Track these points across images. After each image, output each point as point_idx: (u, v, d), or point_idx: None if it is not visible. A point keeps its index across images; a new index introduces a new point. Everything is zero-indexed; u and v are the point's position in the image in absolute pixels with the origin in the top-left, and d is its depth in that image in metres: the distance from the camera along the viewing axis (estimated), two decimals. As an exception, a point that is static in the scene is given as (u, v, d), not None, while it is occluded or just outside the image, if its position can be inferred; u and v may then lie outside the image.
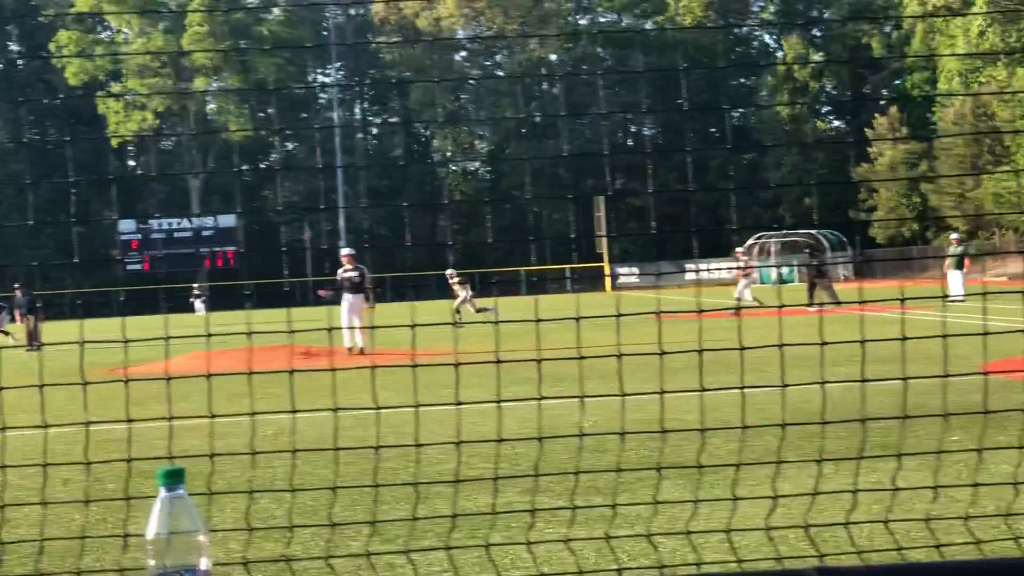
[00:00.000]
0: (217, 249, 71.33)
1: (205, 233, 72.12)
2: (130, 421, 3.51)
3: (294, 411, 3.57)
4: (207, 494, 3.48)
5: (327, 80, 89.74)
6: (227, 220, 72.53)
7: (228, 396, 3.78)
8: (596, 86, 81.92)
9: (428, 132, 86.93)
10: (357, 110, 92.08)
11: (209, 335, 3.20)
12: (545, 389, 3.67)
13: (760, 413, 9.48)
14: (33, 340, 29.41)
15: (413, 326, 3.60)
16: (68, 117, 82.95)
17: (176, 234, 71.92)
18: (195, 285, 63.47)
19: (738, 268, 40.25)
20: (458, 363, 3.59)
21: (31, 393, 3.68)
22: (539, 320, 3.59)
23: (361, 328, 21.54)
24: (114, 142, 79.26)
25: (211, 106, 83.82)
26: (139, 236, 71.41)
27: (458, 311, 31.49)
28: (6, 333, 31.51)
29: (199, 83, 78.88)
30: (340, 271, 22.83)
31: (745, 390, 3.50)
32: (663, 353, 3.63)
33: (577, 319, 3.69)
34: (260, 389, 3.59)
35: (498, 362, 3.62)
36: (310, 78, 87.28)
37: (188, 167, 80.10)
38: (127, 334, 3.64)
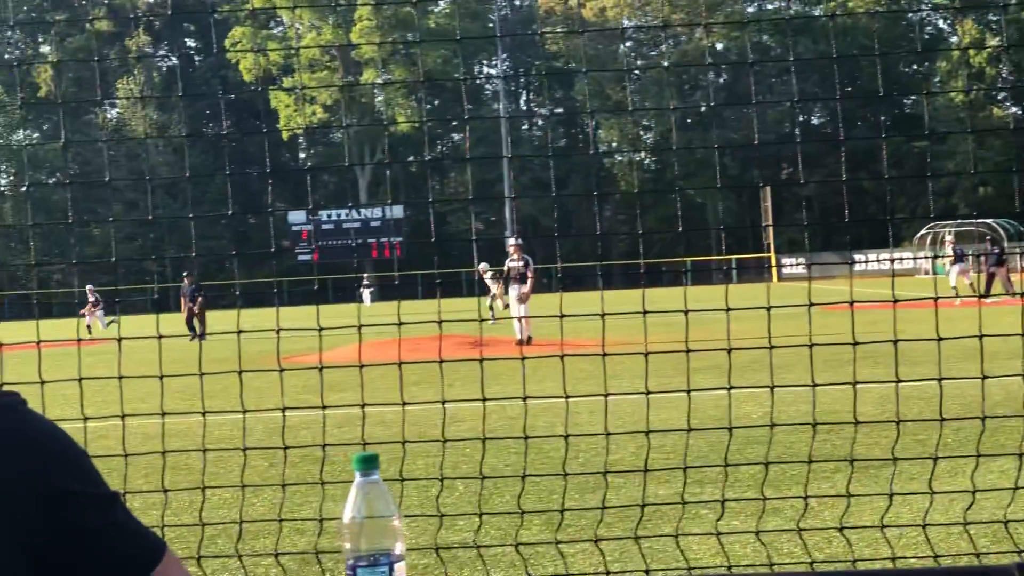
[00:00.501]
0: (384, 240, 72.33)
1: (373, 224, 73.21)
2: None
3: (484, 399, 3.59)
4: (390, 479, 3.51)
5: (493, 71, 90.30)
6: (395, 211, 73.45)
7: (408, 383, 3.81)
8: (763, 74, 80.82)
9: (594, 122, 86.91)
10: (523, 101, 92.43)
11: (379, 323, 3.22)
12: (733, 379, 3.62)
13: (928, 405, 9.27)
14: (194, 329, 30.38)
15: (603, 315, 3.59)
16: (242, 111, 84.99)
17: (345, 225, 73.15)
18: (364, 275, 64.46)
19: (945, 255, 39.34)
20: (648, 352, 3.57)
21: (223, 380, 3.77)
22: (728, 309, 3.54)
23: (527, 317, 21.68)
24: (284, 135, 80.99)
25: (379, 98, 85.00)
26: (309, 227, 72.76)
27: (491, 307, 31.69)
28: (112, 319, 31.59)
29: (367, 76, 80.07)
30: (507, 260, 23.06)
31: (941, 382, 3.41)
32: (856, 344, 3.55)
33: (768, 308, 3.63)
34: (428, 378, 3.62)
35: (688, 351, 3.59)
36: (476, 70, 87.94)
37: (356, 159, 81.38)
38: (301, 323, 3.69)
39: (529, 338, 21.51)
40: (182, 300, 33.11)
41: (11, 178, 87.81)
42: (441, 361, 3.54)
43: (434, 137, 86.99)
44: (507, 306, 30.80)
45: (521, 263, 22.51)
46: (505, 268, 23.14)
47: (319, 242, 72.50)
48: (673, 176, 79.32)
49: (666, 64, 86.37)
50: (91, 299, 38.71)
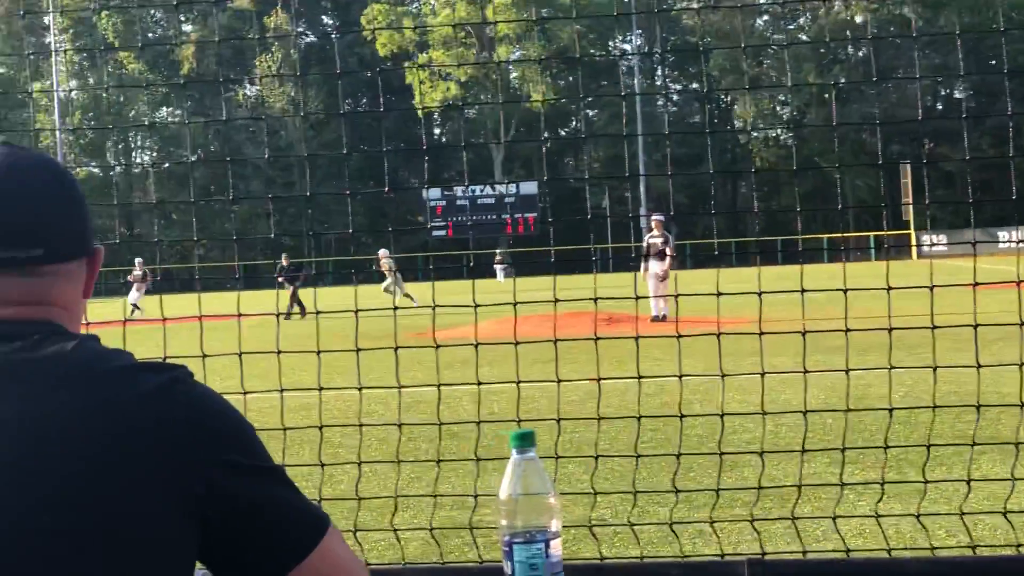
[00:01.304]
0: (519, 215, 72.55)
1: (507, 200, 73.45)
2: (439, 385, 3.58)
3: (599, 379, 3.57)
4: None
5: (627, 47, 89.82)
6: (529, 187, 73.57)
7: (532, 362, 3.82)
8: (904, 48, 79.10)
9: (729, 98, 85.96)
10: (658, 76, 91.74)
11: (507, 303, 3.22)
12: (852, 359, 3.56)
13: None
14: (303, 306, 30.65)
15: (718, 295, 3.55)
16: (378, 88, 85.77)
17: (479, 201, 73.52)
18: (497, 251, 64.74)
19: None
20: (762, 332, 3.52)
21: (343, 357, 3.80)
22: (846, 289, 3.48)
23: (664, 296, 21.60)
24: (420, 112, 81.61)
25: (514, 75, 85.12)
26: (444, 203, 73.27)
27: (389, 291, 31.37)
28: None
29: (501, 52, 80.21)
30: (647, 236, 23.01)
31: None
32: (976, 326, 3.46)
33: (887, 289, 3.56)
34: (563, 355, 3.61)
35: (804, 332, 3.53)
36: (611, 45, 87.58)
37: (491, 135, 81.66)
38: (434, 299, 3.71)
39: (664, 316, 21.45)
40: (281, 280, 32.86)
41: (154, 154, 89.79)
42: (597, 339, 3.53)
43: (568, 113, 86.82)
44: (408, 295, 30.62)
45: (661, 239, 22.44)
46: (645, 243, 23.09)
47: (453, 217, 72.97)
48: (810, 152, 78.23)
49: (805, 38, 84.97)
50: (138, 272, 37.19)
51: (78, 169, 75.60)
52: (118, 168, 78.92)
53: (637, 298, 3.91)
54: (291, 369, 3.64)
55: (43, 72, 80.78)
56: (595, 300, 3.48)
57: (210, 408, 1.70)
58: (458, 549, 5.51)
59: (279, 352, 3.49)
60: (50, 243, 1.73)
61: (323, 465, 3.68)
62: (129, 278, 37.04)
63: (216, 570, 1.75)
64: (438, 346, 3.61)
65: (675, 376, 3.37)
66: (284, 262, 33.71)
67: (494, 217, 73.01)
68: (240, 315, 3.76)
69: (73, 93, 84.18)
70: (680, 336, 3.41)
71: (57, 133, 70.64)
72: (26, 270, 1.71)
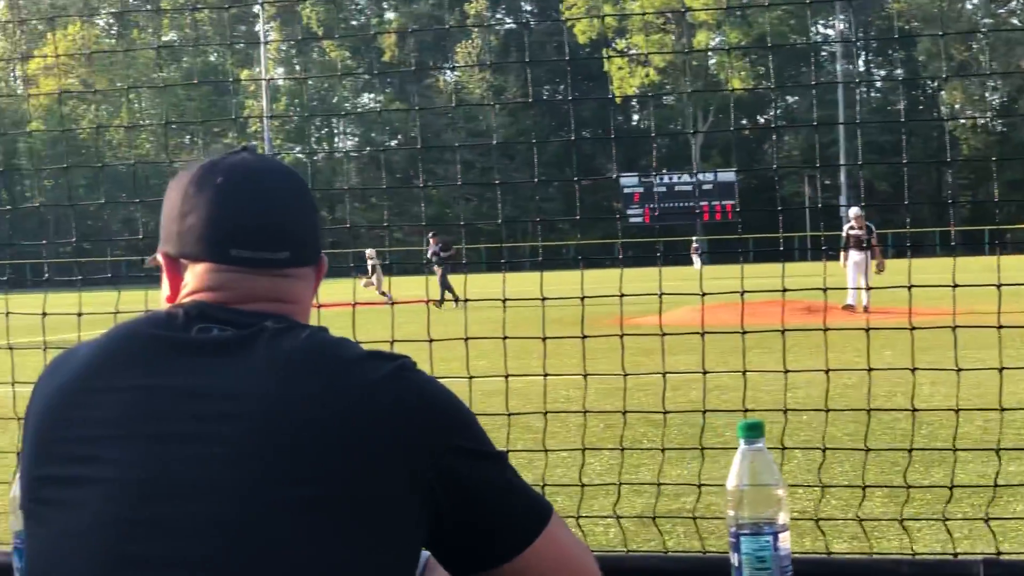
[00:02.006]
0: (715, 203, 71.91)
1: (704, 187, 72.86)
2: (625, 375, 3.57)
3: (785, 371, 3.52)
4: (697, 449, 3.50)
5: (830, 32, 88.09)
6: (726, 175, 72.85)
7: (721, 352, 3.79)
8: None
9: (935, 84, 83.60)
10: (861, 62, 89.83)
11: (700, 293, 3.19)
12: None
13: None
14: (455, 294, 29.51)
15: (910, 287, 3.46)
16: (576, 74, 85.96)
17: (676, 188, 73.10)
18: (694, 239, 64.28)
19: None
20: (955, 325, 3.42)
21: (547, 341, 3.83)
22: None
23: (868, 288, 21.22)
24: (617, 99, 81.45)
25: (712, 61, 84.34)
26: (641, 190, 73.05)
27: (368, 286, 30.79)
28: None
29: (700, 38, 79.56)
30: (846, 227, 22.76)
31: None
32: None
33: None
34: (757, 344, 3.57)
35: (1000, 327, 3.42)
36: (812, 30, 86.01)
37: (689, 122, 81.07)
38: (629, 286, 3.69)
39: (866, 307, 21.09)
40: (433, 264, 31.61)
41: (356, 140, 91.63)
42: (784, 330, 3.48)
43: (767, 100, 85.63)
44: (384, 293, 28.95)
45: (863, 231, 22.21)
46: (844, 235, 22.81)
47: (650, 204, 72.69)
48: (1021, 140, 75.57)
49: (1017, 23, 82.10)
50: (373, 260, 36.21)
51: (283, 154, 77.70)
52: (321, 153, 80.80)
53: (825, 289, 3.84)
54: (481, 354, 3.68)
55: (252, 59, 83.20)
56: (783, 291, 3.43)
57: (437, 395, 1.75)
58: (657, 537, 5.49)
59: (466, 339, 3.53)
60: (295, 247, 1.85)
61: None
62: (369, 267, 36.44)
63: (442, 555, 1.79)
64: (623, 335, 3.60)
65: (869, 369, 3.30)
66: (433, 243, 32.12)
67: (691, 204, 72.48)
68: (428, 301, 3.81)
69: (279, 80, 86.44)
70: (869, 329, 3.33)
71: (264, 119, 72.62)
72: (272, 271, 1.82)
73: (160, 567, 1.58)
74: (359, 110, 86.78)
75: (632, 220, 72.44)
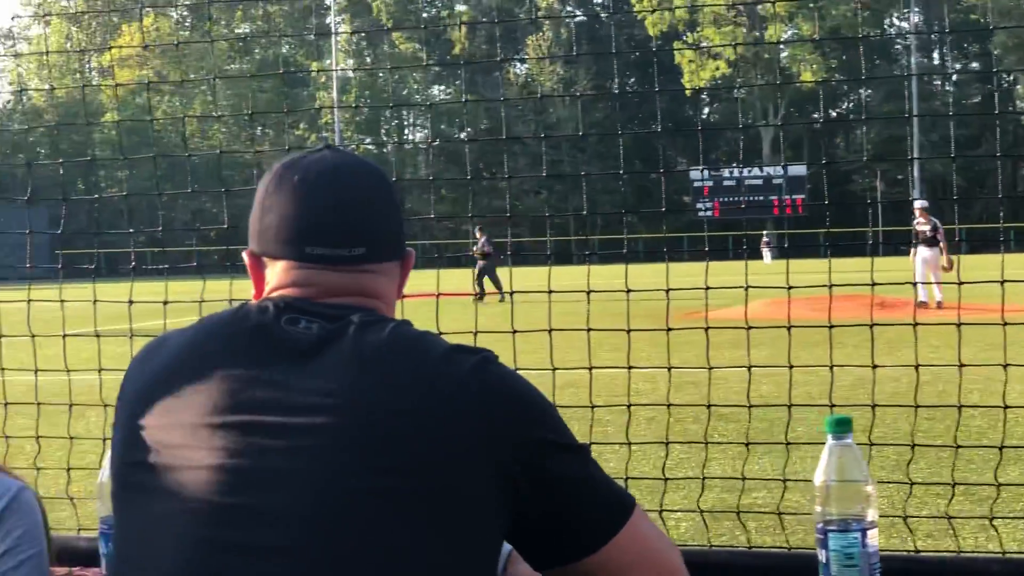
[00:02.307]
0: (787, 197, 71.41)
1: (775, 181, 72.38)
2: (710, 368, 3.58)
3: (873, 365, 3.51)
4: (782, 443, 3.50)
5: (904, 25, 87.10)
6: (797, 169, 72.31)
7: (802, 345, 3.77)
8: None
9: (1011, 77, 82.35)
10: (936, 56, 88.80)
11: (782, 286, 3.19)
12: None
13: None
14: (482, 287, 28.49)
15: (1002, 282, 3.43)
16: (647, 67, 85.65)
17: (747, 182, 72.68)
18: (764, 233, 63.89)
19: None
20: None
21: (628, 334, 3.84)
22: None
23: (938, 283, 20.97)
24: (688, 92, 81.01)
25: (784, 53, 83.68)
26: (710, 183, 72.69)
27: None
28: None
29: (772, 31, 78.97)
30: (914, 223, 22.53)
31: None
32: None
33: None
34: (824, 340, 3.56)
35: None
36: (886, 23, 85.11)
37: (760, 115, 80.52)
38: (699, 280, 3.70)
39: (939, 303, 20.91)
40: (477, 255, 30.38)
41: (426, 132, 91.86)
42: (872, 324, 3.46)
43: (839, 93, 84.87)
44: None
45: (928, 226, 21.95)
46: (913, 229, 22.59)
47: (720, 198, 72.33)
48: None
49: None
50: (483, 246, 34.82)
51: (354, 146, 78.05)
52: (391, 145, 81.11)
53: (900, 284, 3.82)
54: (538, 347, 3.69)
55: (322, 51, 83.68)
56: (872, 285, 3.42)
57: (520, 388, 1.76)
58: (729, 532, 5.50)
59: (512, 331, 3.54)
60: (372, 243, 1.87)
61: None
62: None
63: (524, 548, 1.80)
64: (708, 328, 3.60)
65: (954, 365, 3.28)
66: (479, 235, 31.07)
67: (761, 198, 72.03)
68: (513, 291, 3.84)
69: (350, 72, 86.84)
70: (961, 324, 3.31)
71: (335, 111, 72.97)
72: (349, 267, 1.84)
73: (249, 554, 1.61)
74: (425, 102, 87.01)
75: (701, 214, 72.10)
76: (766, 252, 59.96)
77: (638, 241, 54.15)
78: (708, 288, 3.70)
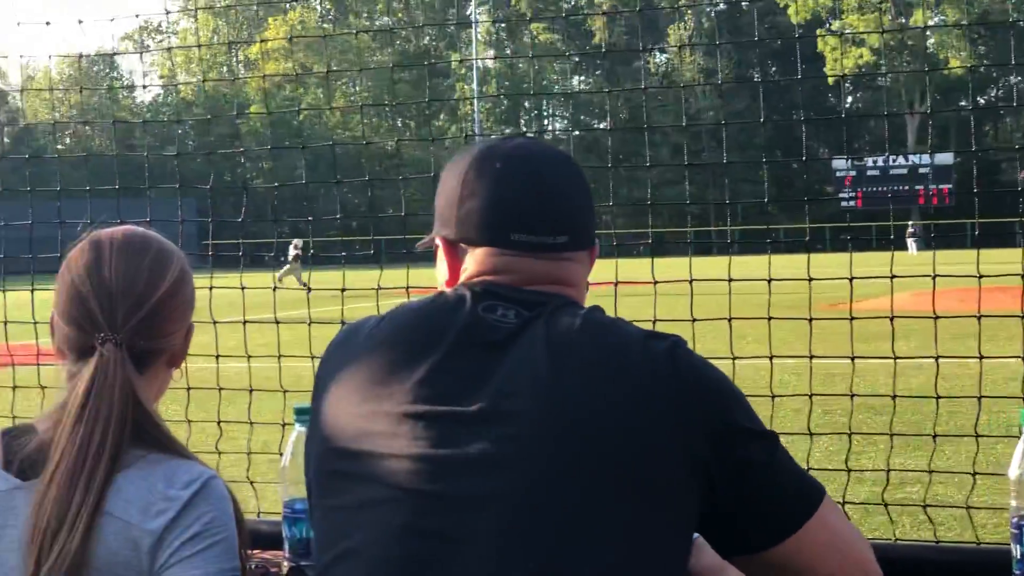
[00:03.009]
0: (932, 187, 69.85)
1: (921, 170, 70.83)
2: (852, 358, 3.53)
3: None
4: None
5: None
6: (944, 157, 70.64)
7: (951, 336, 3.70)
8: None
9: None
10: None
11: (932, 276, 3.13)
12: None
13: None
14: None
15: None
16: (789, 55, 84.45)
17: (891, 171, 71.25)
18: (909, 223, 62.60)
19: None
20: None
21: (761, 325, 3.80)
22: None
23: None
24: (830, 80, 79.67)
25: (931, 40, 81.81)
26: (853, 173, 71.41)
27: (282, 279, 30.15)
28: None
29: (918, 17, 77.23)
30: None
31: None
32: None
33: None
34: (985, 331, 3.48)
35: None
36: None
37: (905, 103, 78.88)
38: (839, 271, 3.65)
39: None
40: None
41: (564, 122, 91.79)
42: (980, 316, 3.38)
43: (988, 80, 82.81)
44: (304, 284, 27.75)
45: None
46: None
47: (863, 188, 71.02)
48: None
49: None
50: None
51: (492, 135, 78.35)
52: (530, 135, 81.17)
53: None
54: (699, 338, 3.67)
55: (463, 42, 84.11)
56: (1023, 276, 3.34)
57: (711, 374, 1.77)
58: (883, 526, 5.41)
59: (694, 320, 3.52)
60: (573, 232, 1.89)
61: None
62: None
63: (712, 536, 1.81)
64: (853, 318, 3.55)
65: None
66: None
67: (906, 188, 70.57)
68: (655, 281, 3.83)
69: (489, 62, 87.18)
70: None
71: (475, 101, 73.31)
72: (550, 254, 1.87)
73: (451, 542, 1.64)
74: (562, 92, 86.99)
75: (844, 204, 70.87)
76: (911, 243, 58.73)
77: (779, 231, 53.53)
78: (852, 278, 3.64)
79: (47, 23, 5.11)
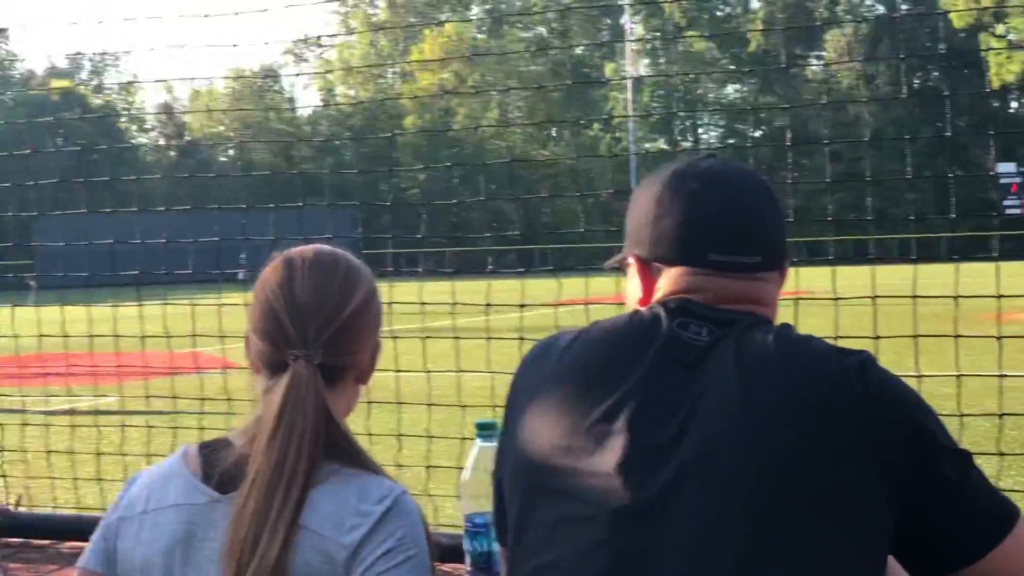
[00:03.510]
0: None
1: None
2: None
3: None
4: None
5: None
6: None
7: None
8: None
9: None
10: None
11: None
12: None
13: None
14: None
15: None
16: (950, 60, 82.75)
17: (1060, 178, 69.29)
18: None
19: None
20: None
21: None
22: None
23: None
24: (995, 83, 77.76)
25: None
26: (1018, 180, 69.67)
27: None
28: None
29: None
30: None
31: None
32: None
33: None
34: None
35: None
36: None
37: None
38: (1007, 281, 3.52)
39: None
40: None
41: (720, 131, 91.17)
42: None
43: None
44: None
45: None
46: None
47: (1029, 196, 69.20)
48: None
49: None
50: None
51: (647, 145, 78.22)
52: (685, 144, 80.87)
53: None
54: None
55: (616, 52, 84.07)
56: None
57: (903, 390, 1.75)
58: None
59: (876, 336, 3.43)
60: (767, 252, 1.91)
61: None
62: None
63: (904, 555, 1.78)
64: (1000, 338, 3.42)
65: None
66: None
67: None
68: (838, 297, 3.75)
69: (643, 70, 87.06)
70: None
71: (629, 110, 73.24)
72: (744, 275, 1.88)
73: (647, 560, 1.65)
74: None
75: (1009, 212, 69.08)
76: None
77: (940, 240, 52.34)
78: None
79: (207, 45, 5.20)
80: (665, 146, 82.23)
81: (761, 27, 79.89)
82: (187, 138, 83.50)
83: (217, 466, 1.97)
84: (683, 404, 1.71)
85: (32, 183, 5.55)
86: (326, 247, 2.16)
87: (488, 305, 3.83)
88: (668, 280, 1.90)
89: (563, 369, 1.84)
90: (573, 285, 5.10)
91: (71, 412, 5.81)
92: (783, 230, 1.97)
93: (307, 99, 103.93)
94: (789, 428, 1.65)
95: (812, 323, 3.62)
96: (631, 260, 1.97)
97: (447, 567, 2.55)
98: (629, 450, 1.70)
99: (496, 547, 2.40)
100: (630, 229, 1.97)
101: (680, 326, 1.80)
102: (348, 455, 1.98)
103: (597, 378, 1.78)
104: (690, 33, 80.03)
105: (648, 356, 1.77)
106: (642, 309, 1.89)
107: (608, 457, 1.71)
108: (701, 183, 1.90)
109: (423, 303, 4.11)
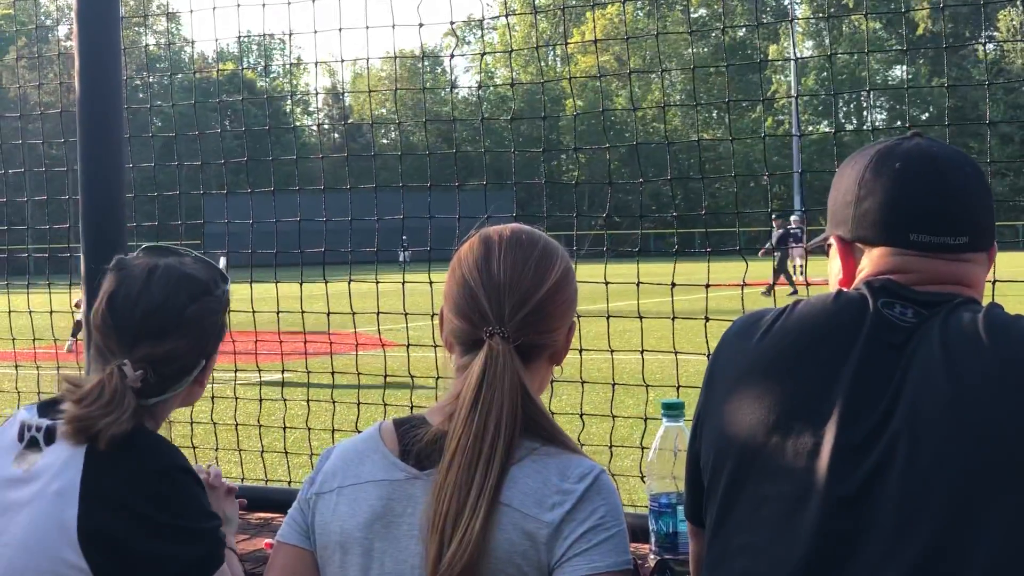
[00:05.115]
0: None
1: None
2: None
3: None
4: None
5: None
6: None
7: None
8: None
9: None
10: None
11: None
12: None
13: None
14: (777, 279, 24.96)
15: None
16: None
17: None
18: None
19: None
20: None
21: None
22: None
23: None
24: None
25: None
26: None
27: None
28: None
29: None
30: None
31: None
32: None
33: None
34: None
35: None
36: None
37: None
38: None
39: None
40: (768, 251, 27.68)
41: (886, 114, 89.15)
42: None
43: None
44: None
45: None
46: None
47: None
48: None
49: None
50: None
51: (811, 128, 76.92)
52: (848, 127, 79.27)
53: None
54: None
55: (778, 34, 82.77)
56: None
57: None
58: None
59: None
60: (973, 233, 1.88)
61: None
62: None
63: None
64: None
65: None
66: (777, 227, 28.56)
67: None
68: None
69: (807, 53, 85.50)
70: None
71: (793, 92, 72.10)
72: (949, 255, 1.86)
73: (852, 543, 1.65)
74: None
75: None
76: None
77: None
78: None
79: (366, 27, 5.28)
80: (827, 129, 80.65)
81: (927, 6, 77.77)
82: (350, 120, 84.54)
83: (415, 443, 1.98)
84: (891, 385, 1.70)
85: (199, 163, 5.62)
86: (524, 226, 2.16)
87: (673, 285, 3.82)
88: (870, 261, 1.89)
89: (771, 347, 1.83)
90: (732, 269, 5.06)
91: (259, 384, 5.98)
92: (991, 211, 1.93)
93: (464, 81, 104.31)
94: (1000, 405, 1.64)
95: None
96: (832, 240, 1.97)
97: (631, 547, 2.58)
98: (839, 433, 1.69)
99: (683, 527, 2.40)
100: (831, 210, 1.96)
101: (885, 306, 1.79)
102: (547, 433, 1.98)
103: (807, 359, 1.78)
104: (857, 16, 78.25)
105: (860, 339, 1.76)
106: (846, 290, 1.88)
107: (819, 439, 1.70)
108: (905, 162, 1.88)
109: (607, 282, 4.10)
